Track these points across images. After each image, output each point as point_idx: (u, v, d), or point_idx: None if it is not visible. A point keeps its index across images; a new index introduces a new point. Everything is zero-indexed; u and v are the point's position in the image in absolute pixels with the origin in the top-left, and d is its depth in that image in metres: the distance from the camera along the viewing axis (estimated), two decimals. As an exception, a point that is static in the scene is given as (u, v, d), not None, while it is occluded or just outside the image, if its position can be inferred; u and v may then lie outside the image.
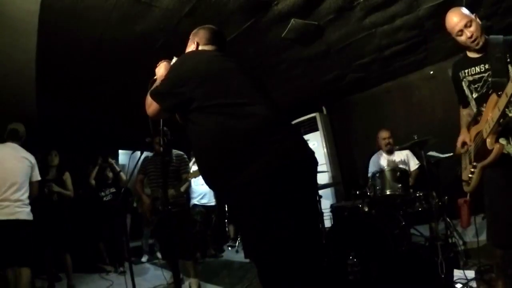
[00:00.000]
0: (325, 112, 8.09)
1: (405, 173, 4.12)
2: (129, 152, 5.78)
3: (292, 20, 4.10)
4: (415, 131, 4.23)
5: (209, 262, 6.04)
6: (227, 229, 7.74)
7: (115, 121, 6.85)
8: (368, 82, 7.01)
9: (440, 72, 6.01)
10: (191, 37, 2.12)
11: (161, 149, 4.08)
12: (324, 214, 4.85)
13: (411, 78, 6.73)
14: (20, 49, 3.85)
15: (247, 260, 5.28)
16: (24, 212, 3.60)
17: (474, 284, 2.84)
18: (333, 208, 5.42)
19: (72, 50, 4.05)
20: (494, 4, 4.38)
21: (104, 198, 6.05)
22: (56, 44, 3.87)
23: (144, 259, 6.77)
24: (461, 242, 3.86)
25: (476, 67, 2.44)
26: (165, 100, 1.80)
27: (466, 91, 2.55)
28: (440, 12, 4.18)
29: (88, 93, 5.33)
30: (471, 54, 2.51)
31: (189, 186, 4.29)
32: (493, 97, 2.26)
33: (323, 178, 6.52)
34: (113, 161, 6.12)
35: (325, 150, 7.48)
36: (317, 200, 1.86)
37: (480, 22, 2.39)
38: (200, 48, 2.05)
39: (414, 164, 4.92)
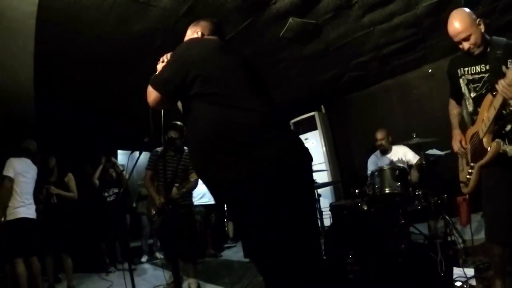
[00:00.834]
0: (323, 111, 8.10)
1: (404, 171, 4.12)
2: (128, 152, 5.80)
3: (290, 19, 4.10)
4: (414, 129, 4.23)
5: (208, 262, 6.04)
6: (226, 228, 7.75)
7: (113, 121, 6.85)
8: (367, 81, 7.02)
9: (438, 70, 6.00)
10: (191, 28, 2.09)
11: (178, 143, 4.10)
12: (323, 213, 4.85)
13: (410, 76, 6.73)
14: (17, 50, 3.85)
15: (247, 260, 5.28)
16: (34, 212, 4.37)
17: (473, 282, 2.84)
18: (332, 206, 5.42)
19: (69, 51, 4.04)
20: (493, 1, 4.37)
21: (108, 199, 6.05)
22: (54, 45, 3.86)
23: (143, 259, 6.78)
24: (460, 240, 3.86)
25: (476, 66, 2.43)
26: (165, 86, 1.75)
27: (463, 89, 2.54)
28: (438, 10, 4.21)
29: (86, 93, 5.33)
30: (468, 46, 2.44)
31: (193, 187, 4.17)
32: (488, 96, 2.27)
33: (322, 177, 6.51)
34: (116, 161, 6.10)
35: (324, 149, 7.49)
36: (314, 196, 1.84)
37: (482, 29, 2.38)
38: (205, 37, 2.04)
39: (413, 157, 4.91)
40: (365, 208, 4.07)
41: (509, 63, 2.28)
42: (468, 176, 2.53)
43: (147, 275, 5.65)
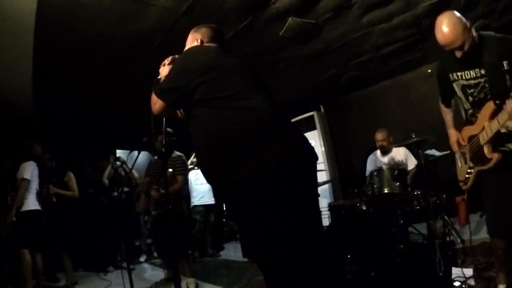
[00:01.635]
0: (322, 110, 8.10)
1: (403, 171, 4.12)
2: (127, 152, 5.80)
3: (290, 18, 4.10)
4: (413, 130, 4.23)
5: (207, 261, 6.04)
6: (225, 228, 7.75)
7: (112, 120, 6.84)
8: (366, 81, 7.02)
9: (437, 71, 6.00)
10: (192, 34, 2.13)
11: (163, 149, 4.09)
12: (322, 213, 4.84)
13: (409, 76, 6.74)
14: (17, 48, 3.84)
15: (245, 260, 5.28)
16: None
17: (472, 282, 2.84)
18: (330, 206, 5.41)
19: (69, 49, 4.03)
20: (492, 2, 4.38)
21: (118, 197, 6.05)
22: (53, 42, 3.85)
23: (142, 258, 6.77)
24: (459, 240, 3.87)
25: (471, 71, 2.32)
26: (169, 95, 1.82)
27: (459, 93, 2.48)
28: (438, 11, 4.20)
29: (85, 92, 5.31)
30: (461, 54, 2.29)
31: (180, 188, 4.16)
32: (490, 104, 2.22)
33: (320, 176, 6.51)
34: (125, 160, 6.09)
35: (322, 148, 7.49)
36: (317, 195, 1.86)
37: (474, 32, 2.23)
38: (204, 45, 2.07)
39: (412, 163, 4.93)
40: (364, 208, 4.07)
41: (505, 65, 2.18)
42: (467, 176, 2.53)
43: (146, 275, 5.65)
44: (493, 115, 2.20)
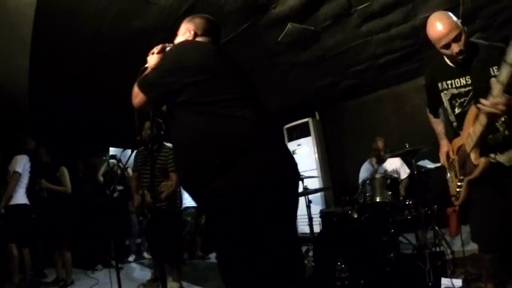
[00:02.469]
0: (317, 117, 8.13)
1: (395, 181, 4.14)
2: (120, 150, 5.77)
3: (289, 24, 4.11)
4: (407, 140, 4.24)
5: (196, 264, 6.00)
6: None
7: (107, 117, 6.80)
8: (362, 89, 7.07)
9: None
10: (185, 23, 1.99)
11: (148, 138, 4.00)
12: (314, 219, 4.85)
13: (405, 87, 6.79)
14: (14, 40, 3.81)
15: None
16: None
17: (461, 293, 2.86)
18: (322, 213, 5.43)
19: (66, 44, 4.01)
20: (491, 16, 4.43)
21: (113, 195, 6.01)
22: (51, 36, 3.83)
23: (131, 258, 6.72)
24: (449, 251, 3.88)
25: (461, 79, 2.27)
26: (153, 91, 1.69)
27: (445, 104, 2.42)
28: (436, 23, 4.25)
29: (81, 88, 5.28)
30: (451, 62, 2.32)
31: (173, 191, 4.00)
32: (473, 109, 2.16)
33: (313, 183, 6.53)
34: (120, 158, 6.04)
35: (316, 155, 7.51)
36: (294, 218, 1.79)
37: (466, 30, 2.17)
38: (197, 39, 1.93)
39: (404, 173, 4.96)
40: (355, 216, 4.08)
41: (491, 71, 2.13)
42: (457, 189, 2.43)
43: (134, 275, 5.61)
44: (476, 119, 2.13)
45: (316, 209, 6.05)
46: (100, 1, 3.32)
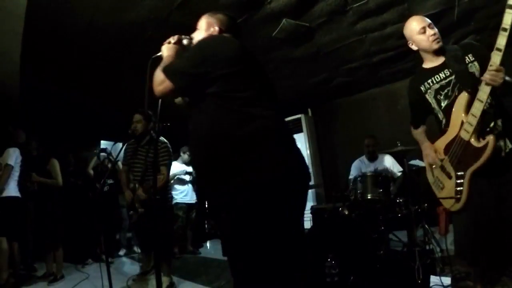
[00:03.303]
0: (310, 114, 8.14)
1: (386, 178, 4.16)
2: (111, 143, 5.72)
3: (284, 20, 4.10)
4: (399, 138, 4.27)
5: (186, 259, 5.99)
6: (206, 226, 7.73)
7: (98, 110, 6.75)
8: (355, 87, 7.08)
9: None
10: (207, 19, 1.98)
11: (137, 131, 3.98)
12: (304, 216, 4.85)
13: (398, 86, 6.80)
14: (6, 32, 3.76)
15: (225, 258, 5.24)
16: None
17: (449, 290, 2.88)
18: (313, 209, 5.45)
19: (59, 35, 3.96)
20: (485, 18, 4.46)
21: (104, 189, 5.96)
22: (43, 29, 3.78)
23: (121, 252, 6.70)
24: (438, 249, 3.92)
25: (440, 74, 2.38)
26: (182, 78, 1.65)
27: (432, 104, 2.45)
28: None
29: (72, 80, 5.23)
30: (429, 64, 2.47)
31: (164, 184, 3.96)
32: (463, 96, 2.20)
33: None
34: (110, 151, 5.98)
35: (308, 151, 7.52)
36: (302, 220, 1.83)
37: None
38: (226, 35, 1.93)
39: (397, 171, 4.98)
40: (346, 213, 4.10)
41: (467, 59, 2.30)
42: (458, 189, 2.28)
43: (124, 269, 5.59)
44: (469, 104, 2.16)
45: (307, 205, 6.06)
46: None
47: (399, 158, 4.79)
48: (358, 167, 5.26)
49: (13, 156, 4.51)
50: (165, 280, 3.97)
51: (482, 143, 2.11)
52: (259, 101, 1.66)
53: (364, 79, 6.57)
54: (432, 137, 2.61)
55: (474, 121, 2.12)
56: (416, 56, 2.73)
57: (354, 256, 3.38)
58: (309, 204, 6.40)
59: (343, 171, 6.47)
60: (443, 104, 2.39)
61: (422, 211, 3.89)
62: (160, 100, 1.87)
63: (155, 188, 3.34)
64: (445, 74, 2.36)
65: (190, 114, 1.77)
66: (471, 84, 2.19)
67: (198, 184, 2.07)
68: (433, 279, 2.97)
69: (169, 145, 4.08)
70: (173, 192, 6.00)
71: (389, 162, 5.08)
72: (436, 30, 2.37)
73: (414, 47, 2.53)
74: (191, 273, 4.75)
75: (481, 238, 2.27)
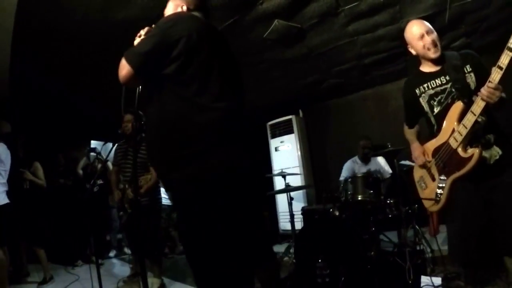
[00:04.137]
0: (301, 115, 8.15)
1: (377, 180, 4.18)
2: (101, 143, 5.67)
3: (276, 21, 4.10)
4: (389, 140, 4.30)
5: (176, 260, 5.97)
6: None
7: (89, 109, 6.68)
8: (346, 89, 7.11)
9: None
10: (175, 1, 1.93)
11: (128, 132, 3.95)
12: (295, 216, 4.87)
13: (389, 88, 6.86)
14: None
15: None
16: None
17: (440, 290, 2.90)
18: (304, 210, 5.47)
19: (50, 32, 3.89)
20: (476, 22, 4.51)
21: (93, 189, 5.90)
22: (34, 25, 3.71)
23: (112, 253, 6.64)
24: (429, 250, 3.95)
25: (436, 80, 2.42)
26: (139, 60, 1.60)
27: (425, 108, 2.50)
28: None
29: (63, 78, 5.16)
30: (427, 69, 2.50)
31: (153, 185, 3.92)
32: (458, 105, 2.24)
33: (295, 180, 6.57)
34: (100, 151, 5.93)
35: (299, 153, 7.54)
36: (257, 212, 1.77)
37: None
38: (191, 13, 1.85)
39: (387, 173, 5.02)
40: (337, 214, 4.10)
41: (467, 68, 2.33)
42: (438, 191, 2.41)
43: (115, 270, 5.54)
44: (463, 114, 2.20)
45: (297, 206, 6.08)
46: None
47: (390, 159, 4.83)
48: (351, 168, 5.28)
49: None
50: (155, 282, 3.95)
51: (468, 154, 2.19)
52: (213, 90, 1.59)
53: (355, 80, 6.60)
54: (423, 137, 2.68)
55: (464, 132, 2.19)
56: (411, 59, 2.77)
57: (345, 257, 3.39)
58: (300, 205, 6.43)
59: (334, 172, 6.49)
60: (435, 110, 2.44)
61: (412, 211, 3.91)
62: (124, 88, 1.82)
63: (136, 189, 3.35)
64: (441, 81, 2.40)
65: (147, 101, 1.72)
66: (467, 95, 2.23)
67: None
68: (424, 279, 2.99)
69: None
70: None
71: (382, 162, 5.12)
72: (434, 36, 2.40)
73: (413, 51, 2.56)
74: (181, 275, 4.73)
75: (471, 240, 2.30)
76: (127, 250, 6.56)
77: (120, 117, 4.00)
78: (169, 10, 1.94)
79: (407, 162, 4.60)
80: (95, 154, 5.92)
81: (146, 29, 1.88)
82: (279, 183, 7.16)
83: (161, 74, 1.58)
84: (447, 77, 2.36)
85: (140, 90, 1.84)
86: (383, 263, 3.60)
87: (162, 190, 5.92)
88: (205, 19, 1.87)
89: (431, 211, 2.57)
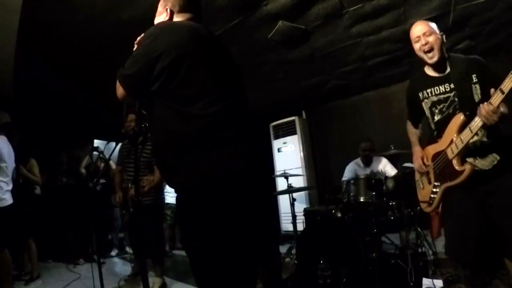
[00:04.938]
0: (304, 116, 8.15)
1: (379, 181, 4.18)
2: (104, 142, 5.69)
3: (280, 22, 4.10)
4: (392, 142, 4.29)
5: (178, 260, 5.96)
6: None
7: (92, 108, 6.70)
8: (350, 90, 7.11)
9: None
10: (161, 1, 1.87)
11: (133, 131, 3.93)
12: (297, 217, 4.87)
13: (392, 89, 6.84)
14: (0, 24, 3.71)
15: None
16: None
17: (442, 293, 2.90)
18: (306, 212, 5.46)
19: (55, 33, 3.92)
20: (480, 24, 4.51)
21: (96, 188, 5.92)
22: (39, 23, 3.73)
23: (113, 252, 6.65)
24: (430, 252, 3.94)
25: (440, 87, 2.37)
26: (127, 81, 1.62)
27: (427, 112, 2.48)
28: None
29: (67, 77, 5.18)
30: (431, 72, 2.45)
31: (157, 184, 3.89)
32: (459, 116, 2.21)
33: (298, 181, 6.56)
34: (102, 150, 5.94)
35: (301, 154, 7.53)
36: (260, 212, 1.71)
37: (444, 41, 2.36)
38: (174, 17, 1.80)
39: (391, 169, 5.00)
40: (339, 215, 4.11)
41: (473, 78, 2.27)
42: (432, 195, 2.47)
43: (116, 269, 5.55)
44: (463, 126, 2.18)
45: (300, 207, 6.09)
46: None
47: (393, 161, 4.83)
48: (353, 170, 5.27)
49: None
50: (157, 281, 3.96)
51: (461, 167, 2.20)
52: (202, 97, 1.55)
53: (359, 82, 6.60)
54: (425, 137, 2.71)
55: (460, 146, 2.19)
56: (416, 61, 2.74)
57: (347, 258, 3.39)
58: (302, 206, 6.44)
59: (337, 174, 6.48)
60: (435, 118, 2.42)
61: (414, 214, 3.91)
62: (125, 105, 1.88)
63: (138, 189, 3.35)
64: (445, 88, 2.35)
65: (147, 116, 1.74)
66: (469, 108, 2.20)
67: None
68: (425, 282, 3.00)
69: None
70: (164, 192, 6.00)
71: (383, 165, 5.10)
72: (432, 38, 2.33)
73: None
74: (182, 274, 4.73)
75: (467, 241, 2.29)
76: (128, 249, 6.57)
77: (123, 116, 4.00)
78: (157, 13, 1.90)
79: (410, 165, 4.60)
80: (97, 153, 5.93)
81: (141, 36, 1.80)
82: (281, 184, 7.16)
83: (150, 90, 1.59)
84: (451, 85, 2.31)
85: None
86: (384, 265, 3.60)
87: (167, 187, 6.01)
88: (193, 21, 1.77)
89: (425, 211, 2.64)
